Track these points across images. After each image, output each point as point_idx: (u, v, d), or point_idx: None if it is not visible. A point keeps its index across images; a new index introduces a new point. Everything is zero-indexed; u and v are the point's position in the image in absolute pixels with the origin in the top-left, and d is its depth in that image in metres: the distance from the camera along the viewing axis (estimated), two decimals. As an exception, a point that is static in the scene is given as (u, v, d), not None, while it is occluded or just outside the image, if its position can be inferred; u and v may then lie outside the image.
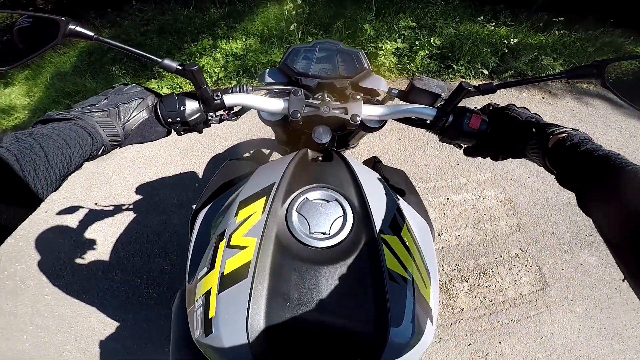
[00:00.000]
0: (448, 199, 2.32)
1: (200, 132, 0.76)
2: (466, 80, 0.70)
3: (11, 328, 1.95)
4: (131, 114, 0.63)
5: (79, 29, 0.58)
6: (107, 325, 1.93)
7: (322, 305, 0.50)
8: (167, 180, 2.42)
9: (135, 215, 2.28)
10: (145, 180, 2.43)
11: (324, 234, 0.58)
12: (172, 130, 0.72)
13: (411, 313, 0.53)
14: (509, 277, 2.04)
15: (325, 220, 0.60)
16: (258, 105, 0.76)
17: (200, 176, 2.44)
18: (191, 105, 0.70)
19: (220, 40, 3.24)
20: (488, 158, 0.75)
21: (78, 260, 2.12)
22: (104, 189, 2.42)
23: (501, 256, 2.11)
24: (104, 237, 2.19)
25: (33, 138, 0.46)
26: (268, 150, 2.18)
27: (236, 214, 0.61)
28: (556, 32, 3.39)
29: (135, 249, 2.15)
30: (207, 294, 0.54)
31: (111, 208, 2.30)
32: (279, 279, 0.52)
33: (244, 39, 3.26)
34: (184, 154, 2.53)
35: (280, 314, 0.49)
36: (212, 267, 0.56)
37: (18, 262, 2.14)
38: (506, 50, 3.20)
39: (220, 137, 2.60)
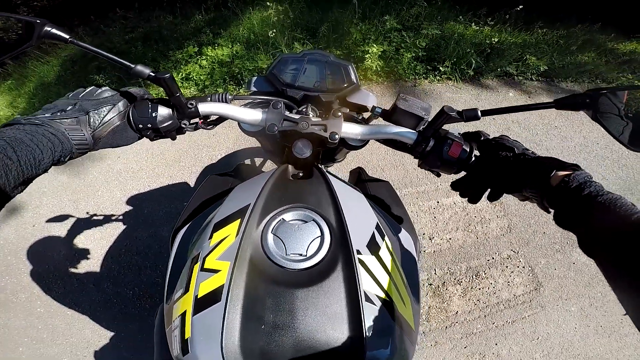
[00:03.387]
0: (438, 202, 2.32)
1: (173, 139, 0.74)
2: (449, 105, 0.66)
3: (6, 340, 1.92)
4: (102, 120, 0.61)
5: (54, 31, 0.57)
6: (101, 337, 1.91)
7: (297, 328, 0.50)
8: (155, 192, 2.39)
9: (124, 227, 2.25)
10: (133, 192, 2.39)
11: (300, 255, 0.57)
12: (144, 136, 0.70)
13: (389, 334, 0.53)
14: (502, 278, 2.05)
15: (302, 242, 0.59)
16: (234, 116, 0.74)
17: (191, 185, 2.41)
18: (163, 112, 0.68)
19: (205, 47, 3.21)
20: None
21: (68, 273, 2.09)
22: (91, 202, 2.38)
23: (493, 258, 2.12)
24: (94, 250, 2.16)
25: (5, 141, 0.46)
26: (261, 160, 2.15)
27: (210, 237, 0.61)
28: (539, 30, 3.43)
29: (126, 261, 2.12)
30: (183, 316, 0.54)
31: (100, 220, 2.27)
32: (253, 302, 0.52)
33: (230, 46, 3.24)
34: (171, 165, 2.50)
35: (255, 337, 0.50)
36: (187, 289, 0.57)
37: (8, 276, 2.11)
38: (489, 50, 3.23)
39: (208, 146, 2.57)
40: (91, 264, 2.12)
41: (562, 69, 3.29)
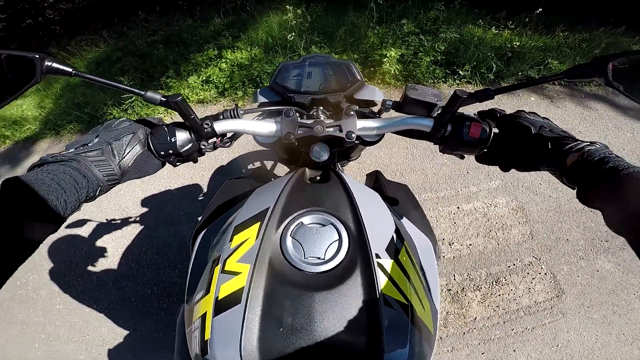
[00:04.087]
0: (458, 207, 2.30)
1: (195, 161, 0.74)
2: (461, 88, 0.66)
3: (24, 336, 1.97)
4: (124, 150, 0.61)
5: (56, 65, 0.55)
6: (117, 335, 1.94)
7: (315, 331, 0.50)
8: (175, 192, 2.44)
9: (144, 227, 2.30)
10: (154, 192, 2.45)
11: (319, 258, 0.58)
12: (167, 162, 0.70)
13: (407, 337, 0.52)
14: (523, 285, 2.01)
15: (320, 245, 0.59)
16: (250, 130, 0.74)
17: (206, 189, 2.45)
18: (182, 136, 0.67)
19: (225, 50, 3.26)
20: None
21: (89, 271, 2.14)
22: (113, 201, 2.44)
23: (514, 264, 2.08)
24: (115, 248, 2.21)
25: (28, 184, 0.47)
26: (272, 163, 2.17)
27: (231, 240, 0.61)
28: (560, 33, 3.37)
29: (145, 260, 2.16)
30: (203, 317, 0.55)
31: (121, 220, 2.33)
32: (272, 304, 0.52)
33: (249, 49, 3.28)
34: (192, 166, 2.54)
35: (273, 339, 0.50)
36: (207, 291, 0.57)
37: (30, 272, 2.17)
38: (510, 54, 3.19)
39: (228, 149, 2.60)
40: (111, 263, 2.17)
41: (586, 73, 3.21)
